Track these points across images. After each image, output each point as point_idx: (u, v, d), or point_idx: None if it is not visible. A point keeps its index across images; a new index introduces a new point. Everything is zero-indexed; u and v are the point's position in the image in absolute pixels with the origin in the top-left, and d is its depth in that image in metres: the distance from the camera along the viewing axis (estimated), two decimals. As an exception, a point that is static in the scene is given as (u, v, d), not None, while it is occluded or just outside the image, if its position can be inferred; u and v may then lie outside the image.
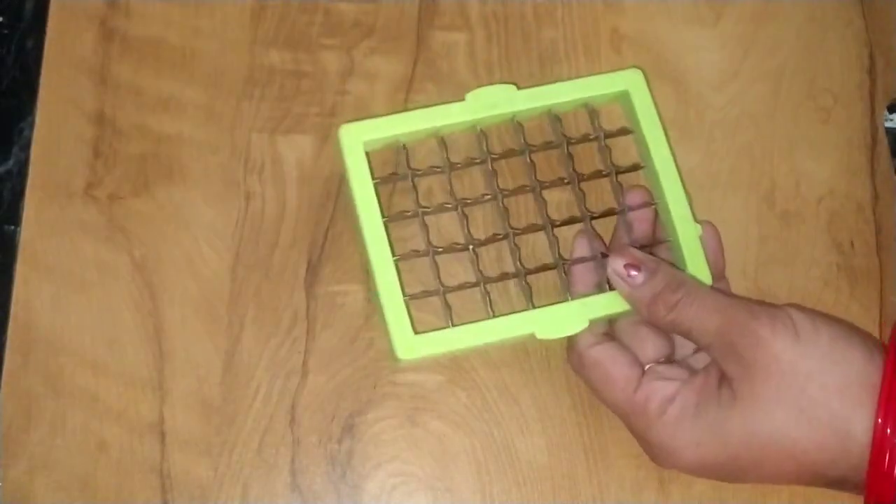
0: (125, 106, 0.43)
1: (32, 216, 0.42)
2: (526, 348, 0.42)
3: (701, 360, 0.40)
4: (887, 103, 0.47)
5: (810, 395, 0.36)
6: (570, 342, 0.41)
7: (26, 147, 0.43)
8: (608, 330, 0.41)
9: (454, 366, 0.42)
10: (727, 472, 0.38)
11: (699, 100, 0.46)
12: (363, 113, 0.44)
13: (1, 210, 0.43)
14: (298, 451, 0.41)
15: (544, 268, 0.42)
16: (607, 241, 0.43)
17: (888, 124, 0.47)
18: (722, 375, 0.38)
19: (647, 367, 0.39)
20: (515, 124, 0.43)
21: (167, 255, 0.42)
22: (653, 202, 0.42)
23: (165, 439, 0.40)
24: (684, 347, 0.41)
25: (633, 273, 0.38)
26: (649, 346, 0.40)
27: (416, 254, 0.41)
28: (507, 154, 0.43)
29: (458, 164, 0.42)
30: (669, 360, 0.40)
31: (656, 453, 0.38)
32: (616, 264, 0.39)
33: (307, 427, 0.41)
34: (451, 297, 0.41)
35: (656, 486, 0.42)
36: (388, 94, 0.45)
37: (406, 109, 0.44)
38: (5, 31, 0.45)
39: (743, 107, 0.46)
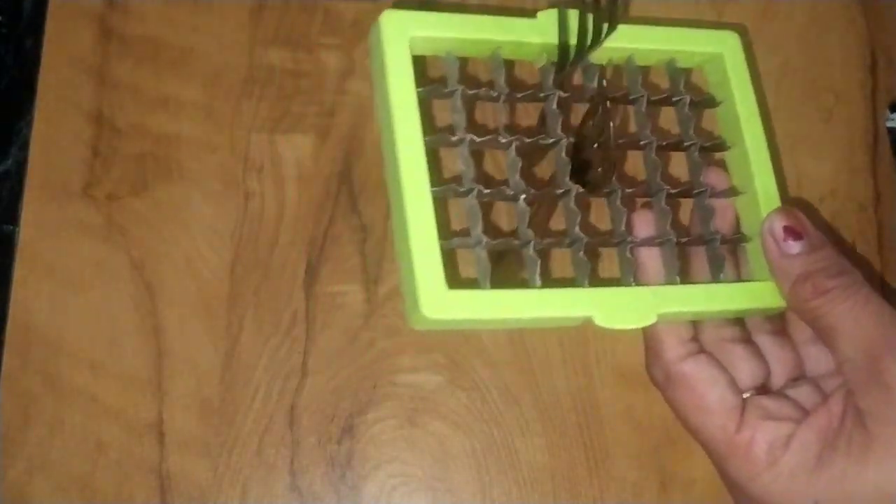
0: (124, 105, 0.43)
1: (31, 216, 0.42)
2: (526, 348, 0.42)
3: (806, 395, 0.33)
4: (889, 102, 0.47)
5: None
6: (653, 350, 0.34)
7: (25, 147, 0.43)
8: (695, 336, 0.34)
9: (454, 366, 0.42)
10: None
11: (700, 99, 0.46)
12: (363, 113, 0.44)
13: (-1, 210, 0.43)
14: (298, 452, 0.41)
15: (606, 241, 0.34)
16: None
17: (890, 123, 0.46)
18: (852, 411, 0.30)
19: (745, 395, 0.33)
20: (587, 63, 0.36)
21: (166, 255, 0.42)
22: (739, 190, 0.36)
23: (164, 440, 0.40)
24: (778, 376, 0.34)
25: (792, 241, 0.32)
26: (743, 369, 0.33)
27: (457, 191, 0.34)
28: (575, 95, 0.35)
29: (518, 93, 0.35)
30: (765, 389, 0.33)
31: None
32: (775, 223, 0.33)
33: (306, 428, 0.41)
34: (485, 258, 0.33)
35: (657, 488, 0.42)
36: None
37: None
38: (4, 31, 0.45)
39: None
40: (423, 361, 0.42)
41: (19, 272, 0.42)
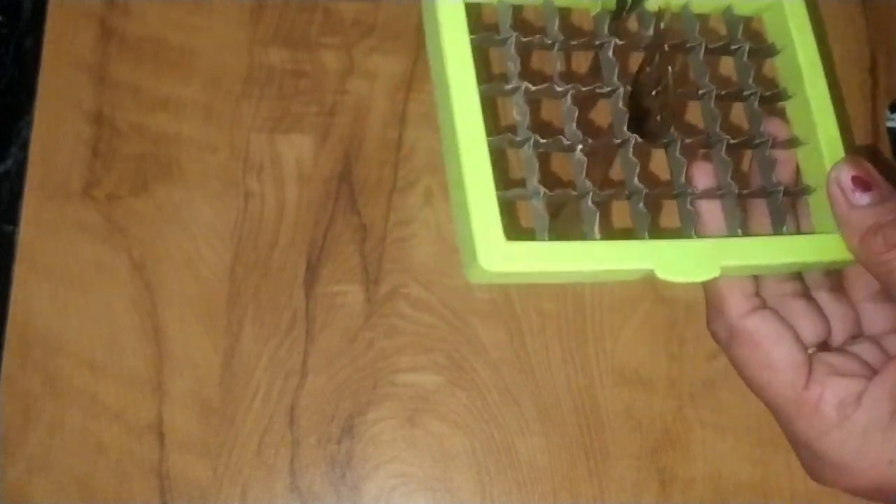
0: (124, 105, 0.43)
1: (31, 216, 0.42)
2: (526, 348, 0.42)
3: (868, 352, 0.32)
4: (889, 102, 0.47)
5: None
6: (716, 306, 0.33)
7: (25, 147, 0.43)
8: (758, 291, 0.33)
9: (454, 366, 0.42)
10: None
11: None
12: (363, 113, 0.44)
13: (-1, 210, 0.43)
14: (298, 452, 0.41)
15: (665, 193, 0.33)
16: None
17: (890, 123, 0.46)
18: None
19: (809, 352, 0.32)
20: (643, 10, 0.35)
21: (166, 255, 0.42)
22: (802, 141, 0.34)
23: (164, 440, 0.40)
24: (838, 333, 0.33)
25: (860, 192, 0.31)
26: (806, 325, 0.32)
27: (513, 141, 0.33)
28: (631, 43, 0.34)
29: (572, 41, 0.34)
30: (825, 346, 0.32)
31: (824, 468, 0.31)
32: (842, 173, 0.31)
33: (306, 428, 0.41)
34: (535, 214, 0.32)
35: (657, 487, 0.42)
36: (388, 93, 0.45)
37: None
38: (4, 31, 0.45)
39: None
40: (423, 361, 0.42)
41: (19, 272, 0.41)
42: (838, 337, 0.34)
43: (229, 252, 0.42)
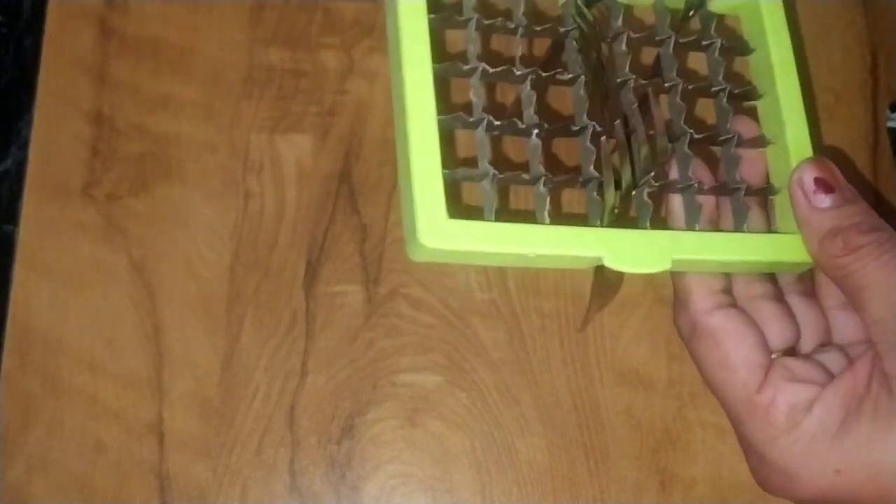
0: (123, 105, 0.43)
1: (30, 216, 0.42)
2: (526, 348, 0.42)
3: (833, 361, 0.32)
4: (889, 102, 0.47)
5: None
6: (681, 299, 0.33)
7: (24, 146, 0.43)
8: (727, 289, 0.32)
9: (454, 366, 0.42)
10: None
11: (700, 99, 0.46)
12: (363, 112, 0.44)
13: (-1, 210, 0.43)
14: (298, 452, 0.41)
15: (621, 184, 0.32)
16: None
17: (890, 123, 0.46)
18: (878, 375, 0.29)
19: (773, 356, 0.31)
20: (612, 1, 0.34)
21: (165, 255, 0.42)
22: (769, 140, 0.34)
23: (164, 440, 0.40)
24: (808, 339, 0.33)
25: (822, 193, 0.30)
26: (773, 328, 0.31)
27: (465, 121, 0.32)
28: (597, 33, 0.33)
29: (537, 28, 0.34)
30: (791, 352, 0.32)
31: (770, 474, 0.30)
32: (805, 174, 0.30)
33: (306, 428, 0.41)
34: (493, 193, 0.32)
35: (657, 488, 0.42)
36: (389, 93, 0.44)
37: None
38: (3, 30, 0.45)
39: (744, 106, 0.46)
40: (423, 361, 0.42)
41: (19, 272, 0.41)
42: (808, 343, 0.33)
43: (229, 252, 0.42)
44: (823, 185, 0.30)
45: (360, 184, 0.43)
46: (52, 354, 0.41)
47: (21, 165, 0.43)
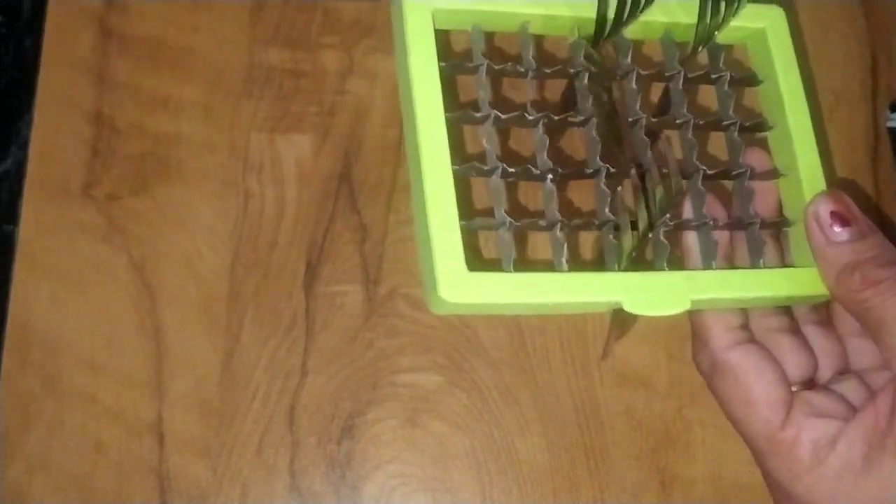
0: (123, 105, 0.43)
1: (30, 216, 0.42)
2: (526, 348, 0.42)
3: (853, 390, 0.32)
4: (889, 102, 0.47)
5: None
6: (700, 337, 0.33)
7: (24, 146, 0.43)
8: (745, 324, 0.33)
9: (454, 366, 0.42)
10: None
11: (700, 99, 0.46)
12: (363, 113, 0.44)
13: (-1, 210, 0.43)
14: (298, 452, 0.41)
15: (637, 224, 0.32)
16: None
17: (890, 123, 0.46)
18: None
19: (793, 389, 0.31)
20: (621, 38, 0.34)
21: (165, 255, 0.42)
22: (782, 172, 0.33)
23: (164, 440, 0.40)
24: (825, 368, 0.33)
25: (839, 227, 0.30)
26: (791, 361, 0.31)
27: (480, 170, 0.32)
28: (607, 72, 0.33)
29: (547, 70, 0.34)
30: (811, 384, 0.32)
31: None
32: (821, 207, 0.30)
33: (306, 428, 0.41)
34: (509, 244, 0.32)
35: (657, 488, 0.42)
36: (389, 93, 0.45)
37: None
38: (3, 30, 0.45)
39: (744, 106, 0.46)
40: (423, 361, 0.42)
41: (19, 272, 0.41)
42: (825, 372, 0.33)
43: (229, 252, 0.42)
44: (839, 219, 0.30)
45: (360, 184, 0.43)
46: (52, 354, 0.41)
47: (21, 165, 0.43)
